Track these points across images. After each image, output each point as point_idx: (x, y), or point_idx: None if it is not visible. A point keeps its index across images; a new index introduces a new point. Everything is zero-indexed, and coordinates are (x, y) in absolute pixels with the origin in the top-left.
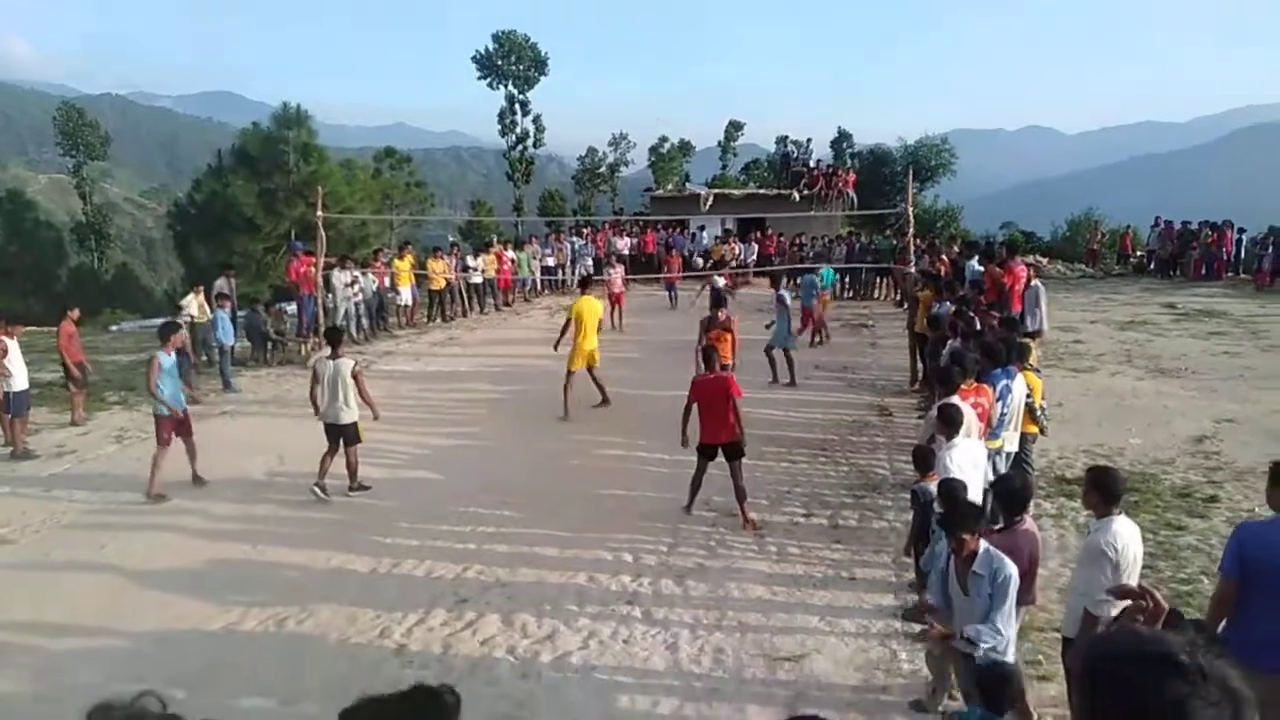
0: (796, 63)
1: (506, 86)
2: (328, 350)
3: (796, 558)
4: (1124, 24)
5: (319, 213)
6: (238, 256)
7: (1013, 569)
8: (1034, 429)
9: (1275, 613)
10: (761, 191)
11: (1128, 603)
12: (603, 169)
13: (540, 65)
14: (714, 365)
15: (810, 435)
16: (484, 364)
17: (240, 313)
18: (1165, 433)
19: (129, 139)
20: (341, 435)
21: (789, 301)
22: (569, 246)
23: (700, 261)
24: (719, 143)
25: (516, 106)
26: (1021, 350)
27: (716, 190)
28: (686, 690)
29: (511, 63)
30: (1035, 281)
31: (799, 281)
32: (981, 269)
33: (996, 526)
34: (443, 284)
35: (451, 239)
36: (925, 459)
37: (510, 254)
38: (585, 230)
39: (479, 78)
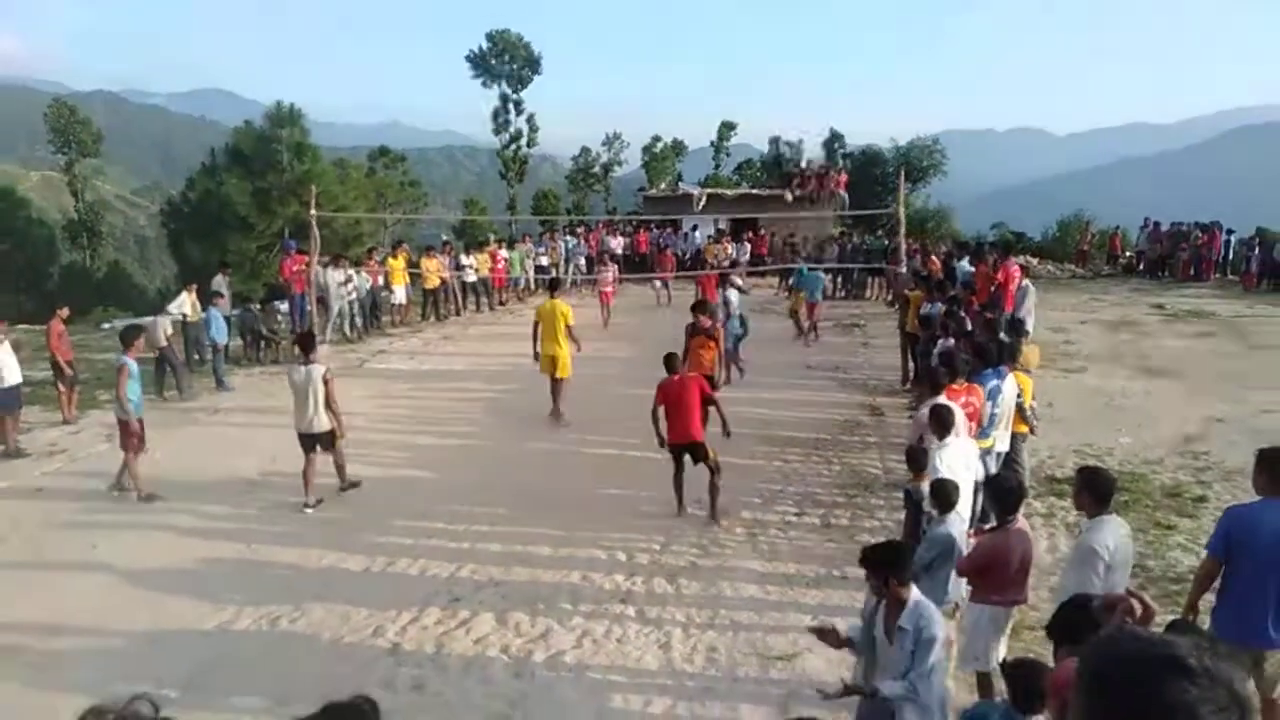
0: (789, 63)
1: (500, 86)
2: (300, 357)
3: (789, 556)
4: (1114, 26)
5: (312, 211)
6: (232, 255)
7: (940, 629)
8: (1024, 429)
9: (1259, 591)
10: (754, 191)
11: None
12: (596, 168)
13: (534, 64)
14: (677, 368)
15: (802, 434)
16: (477, 363)
17: (234, 311)
18: (1154, 433)
19: (121, 136)
20: (318, 444)
21: (734, 302)
22: (562, 246)
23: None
24: (712, 143)
25: (510, 106)
26: (1012, 350)
27: (709, 190)
28: (679, 689)
29: (505, 62)
30: (1025, 281)
31: (805, 278)
32: (973, 269)
33: (989, 526)
34: (436, 283)
35: (445, 238)
36: (918, 459)
37: (504, 253)
38: (579, 230)
39: (473, 77)
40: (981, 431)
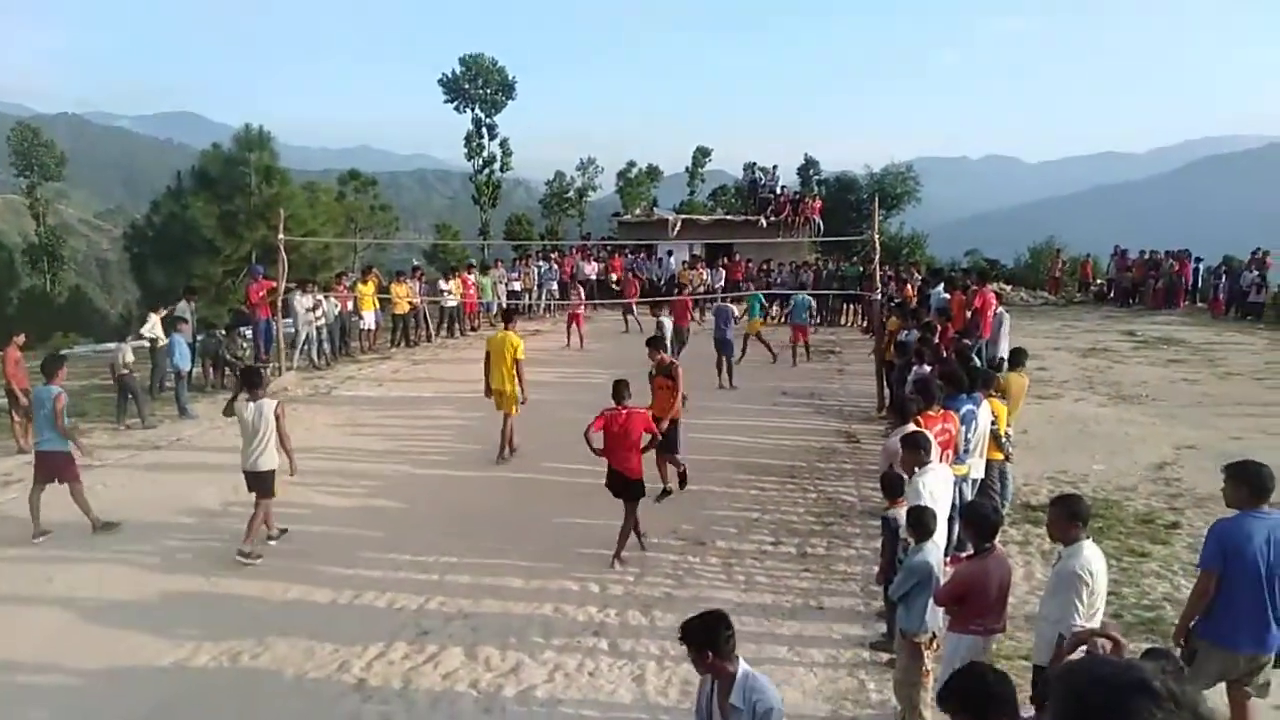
0: (764, 90)
1: (474, 110)
2: (245, 393)
3: (765, 587)
4: (1085, 57)
5: (280, 236)
6: (197, 279)
7: (776, 701)
8: (1000, 455)
9: (1252, 600)
10: (729, 217)
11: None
12: (570, 193)
13: (508, 89)
14: (624, 399)
15: (778, 462)
16: (447, 389)
17: (198, 337)
18: (1127, 459)
19: (85, 159)
20: (257, 485)
21: (668, 328)
22: (535, 271)
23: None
24: (686, 168)
25: (483, 130)
26: (986, 377)
27: (684, 215)
28: None
29: (479, 86)
30: (1000, 309)
31: (792, 302)
32: (948, 296)
33: (965, 554)
34: (406, 308)
35: (416, 263)
36: (893, 485)
37: (472, 278)
38: (553, 255)
39: (445, 100)
40: (957, 458)
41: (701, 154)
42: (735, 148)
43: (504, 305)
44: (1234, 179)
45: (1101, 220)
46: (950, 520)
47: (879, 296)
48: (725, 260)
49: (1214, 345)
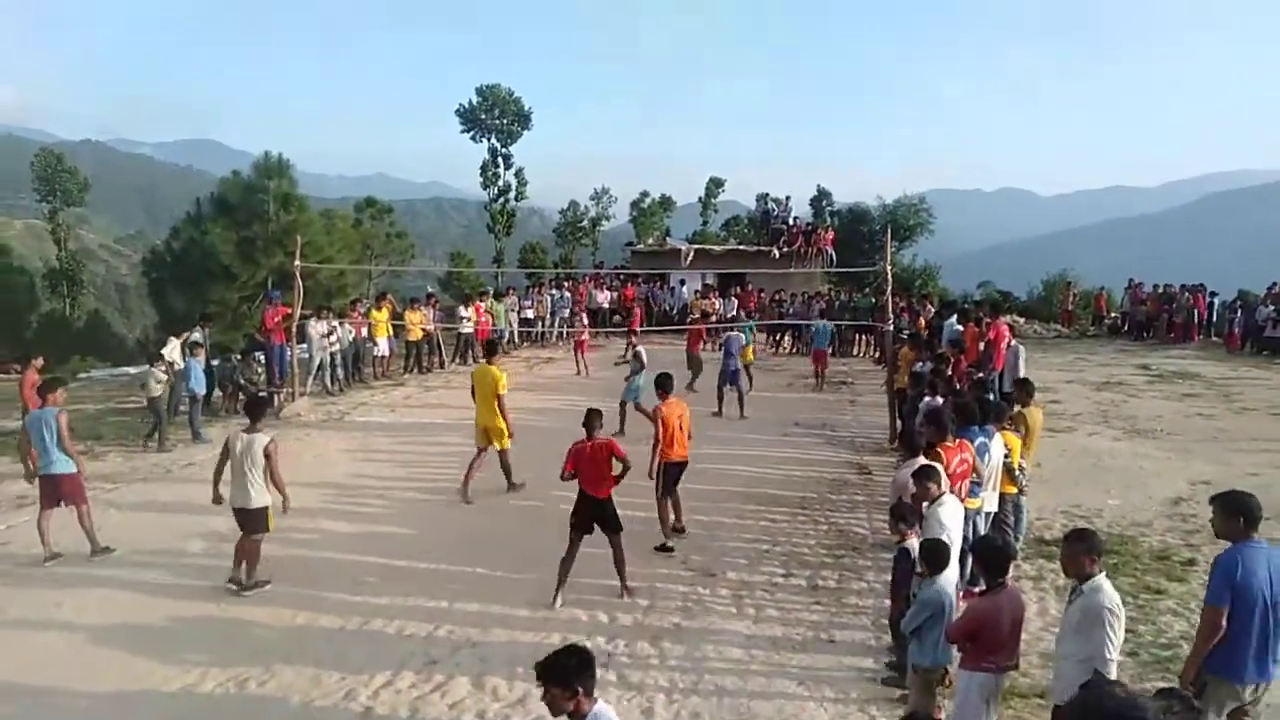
0: (777, 122)
1: (489, 139)
2: (245, 422)
3: (775, 619)
4: (1099, 91)
5: (297, 262)
6: (214, 305)
7: None
8: (1013, 489)
9: (1258, 632)
10: (741, 247)
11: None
12: (584, 222)
13: (523, 119)
14: (595, 430)
15: (789, 493)
16: (458, 416)
17: (213, 362)
18: (1143, 494)
19: (107, 185)
20: (249, 522)
21: (644, 359)
22: (548, 299)
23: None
24: (700, 199)
25: (499, 159)
26: (999, 410)
27: (697, 245)
28: None
29: (495, 116)
30: (1014, 341)
31: (814, 330)
32: (961, 328)
33: (978, 589)
34: (420, 335)
35: (430, 290)
36: (904, 517)
37: (484, 305)
38: (566, 283)
39: (462, 130)
40: (970, 491)
41: (715, 184)
42: (748, 178)
43: (516, 333)
44: (1247, 213)
45: (1114, 253)
46: (963, 554)
47: (891, 328)
48: (738, 290)
49: (1229, 380)
